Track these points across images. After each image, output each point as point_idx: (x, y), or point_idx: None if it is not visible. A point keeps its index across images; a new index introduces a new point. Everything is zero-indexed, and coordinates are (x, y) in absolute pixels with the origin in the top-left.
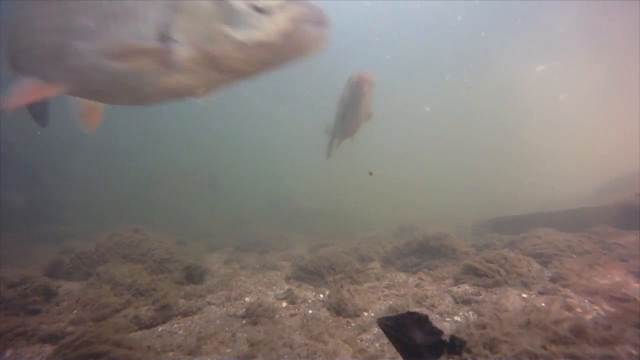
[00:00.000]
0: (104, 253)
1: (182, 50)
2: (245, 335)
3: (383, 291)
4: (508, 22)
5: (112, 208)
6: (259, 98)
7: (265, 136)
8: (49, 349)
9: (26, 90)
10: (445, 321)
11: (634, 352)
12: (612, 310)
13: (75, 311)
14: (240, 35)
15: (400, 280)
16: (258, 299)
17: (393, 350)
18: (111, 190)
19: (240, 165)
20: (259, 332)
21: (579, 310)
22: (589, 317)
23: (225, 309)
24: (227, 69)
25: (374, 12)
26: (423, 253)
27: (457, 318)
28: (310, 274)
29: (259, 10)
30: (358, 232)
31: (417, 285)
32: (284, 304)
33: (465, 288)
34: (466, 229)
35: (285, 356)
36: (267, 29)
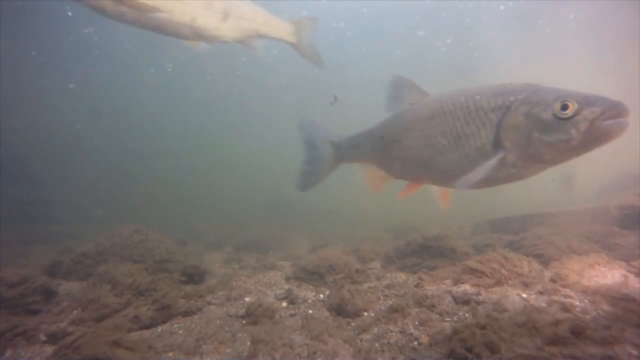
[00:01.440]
0: (104, 253)
1: (511, 153)
2: (245, 335)
3: (383, 291)
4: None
5: (111, 208)
6: (259, 102)
7: (265, 137)
8: (49, 349)
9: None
10: (445, 321)
11: (634, 352)
12: (612, 310)
13: (75, 311)
14: (549, 138)
15: (400, 280)
16: (258, 299)
17: (393, 350)
18: (111, 191)
19: (240, 166)
20: (259, 332)
21: (578, 310)
22: (589, 317)
23: (225, 309)
24: (542, 160)
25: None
26: (423, 253)
27: (456, 318)
28: (310, 274)
29: (560, 118)
30: (358, 233)
31: (417, 285)
32: (284, 304)
33: (465, 288)
34: (466, 229)
35: (286, 356)
36: (567, 130)
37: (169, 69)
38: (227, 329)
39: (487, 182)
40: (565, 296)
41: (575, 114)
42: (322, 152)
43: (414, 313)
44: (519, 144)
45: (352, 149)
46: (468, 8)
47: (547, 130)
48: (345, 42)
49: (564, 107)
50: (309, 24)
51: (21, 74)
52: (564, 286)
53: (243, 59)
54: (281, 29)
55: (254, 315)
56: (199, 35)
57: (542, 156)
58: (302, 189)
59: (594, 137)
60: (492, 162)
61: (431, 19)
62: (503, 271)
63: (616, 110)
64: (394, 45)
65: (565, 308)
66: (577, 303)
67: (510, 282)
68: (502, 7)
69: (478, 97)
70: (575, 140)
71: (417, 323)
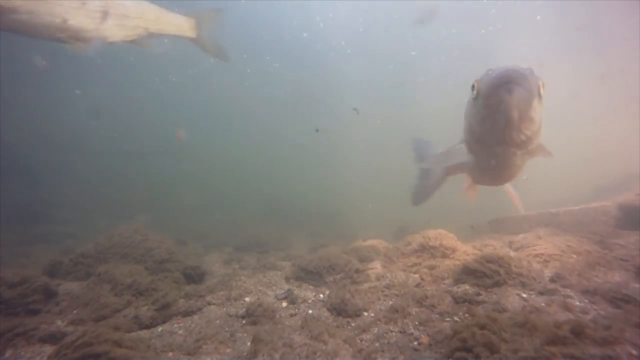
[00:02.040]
0: (104, 253)
1: (468, 142)
2: (245, 335)
3: (383, 291)
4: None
5: (111, 208)
6: (258, 103)
7: (265, 138)
8: (49, 349)
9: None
10: (445, 321)
11: (634, 352)
12: (612, 310)
13: (75, 311)
14: (474, 118)
15: (400, 280)
16: (258, 299)
17: (393, 349)
18: (111, 191)
19: (240, 167)
20: (259, 332)
21: (578, 310)
22: (589, 317)
23: (225, 309)
24: (490, 142)
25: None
26: (423, 253)
27: (456, 318)
28: (310, 274)
29: (474, 98)
30: (358, 233)
31: (417, 285)
32: (284, 304)
33: (465, 288)
34: (466, 229)
35: (286, 356)
36: (478, 107)
37: (173, 80)
38: (227, 329)
39: (489, 174)
40: (565, 296)
41: (477, 89)
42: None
43: (414, 313)
44: (466, 131)
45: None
46: (453, 34)
47: (473, 112)
48: (345, 58)
49: (473, 87)
50: (211, 17)
51: (22, 77)
52: (564, 286)
53: (248, 70)
54: (177, 24)
55: (254, 315)
56: (75, 37)
57: (485, 137)
58: (416, 204)
59: (489, 105)
60: (449, 149)
61: (422, 40)
62: (502, 271)
63: (498, 77)
64: (388, 61)
65: (565, 308)
66: (577, 303)
67: (510, 282)
68: (482, 31)
69: None
70: (484, 113)
71: (417, 323)
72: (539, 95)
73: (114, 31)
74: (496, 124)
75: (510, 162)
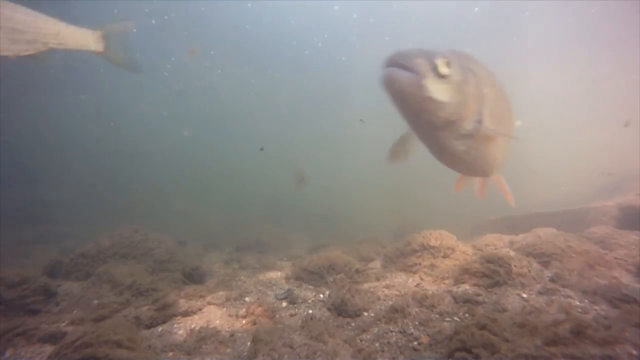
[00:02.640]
0: (104, 253)
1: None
2: (245, 335)
3: (383, 291)
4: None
5: (111, 208)
6: (257, 104)
7: (265, 138)
8: (49, 349)
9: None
10: (445, 321)
11: (634, 352)
12: (612, 310)
13: (75, 311)
14: None
15: (400, 280)
16: (258, 299)
17: (393, 349)
18: (111, 191)
19: (240, 167)
20: (259, 332)
21: (578, 310)
22: (589, 317)
23: (225, 309)
24: (418, 125)
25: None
26: (423, 253)
27: (456, 318)
28: (311, 274)
29: None
30: (358, 233)
31: (417, 285)
32: (284, 304)
33: (465, 288)
34: (466, 229)
35: (285, 356)
36: None
37: (176, 88)
38: (227, 329)
39: (445, 161)
40: (565, 296)
41: None
42: None
43: (414, 313)
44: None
45: None
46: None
47: None
48: (346, 70)
49: None
50: (120, 28)
51: (22, 79)
52: (564, 286)
53: (253, 80)
54: (79, 38)
55: (254, 315)
56: None
57: (411, 121)
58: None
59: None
60: (401, 136)
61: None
62: (502, 271)
63: (383, 61)
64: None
65: (565, 308)
66: (577, 303)
67: (510, 282)
68: (471, 48)
69: None
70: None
71: (417, 323)
72: (439, 75)
73: (5, 45)
74: (397, 105)
75: (450, 147)
